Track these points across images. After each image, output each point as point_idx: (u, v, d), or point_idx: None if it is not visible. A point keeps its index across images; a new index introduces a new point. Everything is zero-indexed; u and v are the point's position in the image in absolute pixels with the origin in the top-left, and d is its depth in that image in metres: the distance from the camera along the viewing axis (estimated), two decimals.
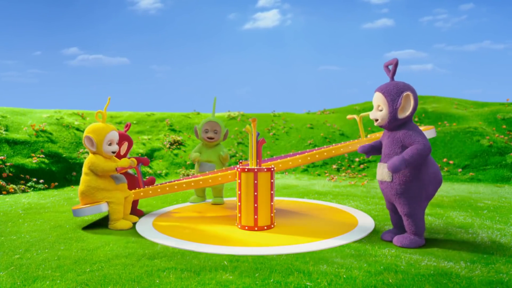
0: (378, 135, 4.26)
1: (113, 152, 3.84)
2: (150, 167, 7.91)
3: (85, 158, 7.45)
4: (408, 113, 2.94)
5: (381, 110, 3.03)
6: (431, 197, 3.05)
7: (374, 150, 3.24)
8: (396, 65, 3.05)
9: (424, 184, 2.95)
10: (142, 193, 4.19)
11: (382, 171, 3.07)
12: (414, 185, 2.94)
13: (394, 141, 3.00)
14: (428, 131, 3.78)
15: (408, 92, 2.93)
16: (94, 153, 3.79)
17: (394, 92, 2.96)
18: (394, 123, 3.01)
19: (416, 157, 2.82)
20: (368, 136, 4.29)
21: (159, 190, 4.15)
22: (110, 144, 3.81)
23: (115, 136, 3.84)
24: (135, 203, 4.38)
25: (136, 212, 4.38)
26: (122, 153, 4.26)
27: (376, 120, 3.07)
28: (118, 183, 3.86)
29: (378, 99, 3.03)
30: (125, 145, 4.30)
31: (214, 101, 5.25)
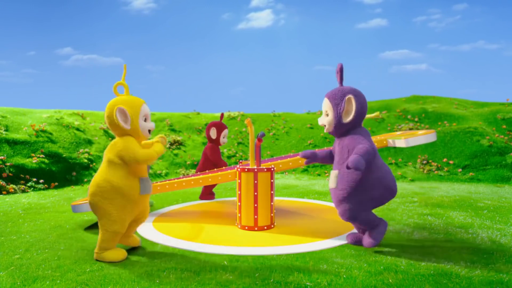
0: (379, 138, 4.26)
1: (150, 131, 2.97)
2: (151, 167, 7.92)
3: (85, 158, 7.46)
4: (351, 116, 2.90)
5: (327, 115, 3.00)
6: (378, 201, 2.95)
7: (316, 158, 3.20)
8: (341, 70, 3.02)
9: (367, 188, 2.87)
10: None
11: (330, 178, 3.02)
12: (357, 190, 2.87)
13: (342, 148, 2.95)
14: (429, 135, 3.77)
15: (350, 96, 2.89)
16: (123, 133, 2.85)
17: (339, 96, 2.94)
18: (340, 129, 2.96)
19: (367, 153, 2.69)
20: None
21: (158, 188, 4.15)
22: (145, 120, 2.93)
23: (149, 111, 2.99)
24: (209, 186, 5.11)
25: (208, 197, 5.07)
26: (221, 142, 5.09)
27: (324, 126, 3.04)
28: (143, 193, 2.87)
29: (325, 105, 3.02)
30: (224, 132, 5.07)
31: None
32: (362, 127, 3.00)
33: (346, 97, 2.89)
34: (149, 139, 2.96)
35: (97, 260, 2.78)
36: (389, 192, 2.95)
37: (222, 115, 5.46)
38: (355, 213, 2.92)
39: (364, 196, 2.89)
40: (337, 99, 2.94)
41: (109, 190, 2.73)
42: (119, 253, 2.81)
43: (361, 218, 2.94)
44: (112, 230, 2.77)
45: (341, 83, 3.04)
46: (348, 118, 2.92)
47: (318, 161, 3.22)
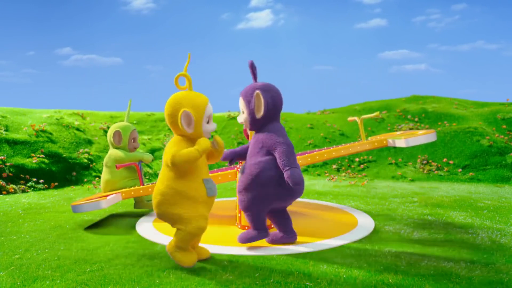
0: (379, 137, 4.26)
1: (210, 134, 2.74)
2: (150, 167, 7.91)
3: (85, 158, 7.46)
4: (262, 111, 2.94)
5: (243, 113, 3.06)
6: (274, 198, 2.96)
7: (237, 155, 3.24)
8: (251, 67, 3.06)
9: (263, 184, 2.89)
10: (141, 191, 4.19)
11: (241, 169, 3.09)
12: (253, 184, 2.91)
13: (256, 142, 2.99)
14: (429, 135, 3.77)
15: (257, 91, 2.93)
16: (181, 135, 2.64)
17: (250, 93, 2.99)
18: (255, 124, 3.02)
19: (290, 157, 2.78)
20: (369, 138, 4.28)
21: None
22: (208, 122, 2.69)
23: (212, 110, 2.72)
24: None
25: None
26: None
27: (243, 123, 3.11)
28: (210, 195, 2.64)
29: (240, 103, 3.08)
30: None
31: (129, 105, 4.83)
32: (277, 123, 3.03)
33: (255, 93, 2.93)
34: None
35: (168, 253, 2.63)
36: (289, 193, 2.95)
37: None
38: (249, 206, 2.97)
39: (260, 191, 2.91)
40: (248, 96, 2.99)
41: (174, 195, 2.54)
42: (191, 258, 2.60)
43: (254, 212, 2.97)
44: (189, 230, 2.55)
45: (255, 79, 3.08)
46: (259, 114, 2.95)
47: (242, 158, 3.27)
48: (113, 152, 4.42)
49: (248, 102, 2.98)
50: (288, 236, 3.14)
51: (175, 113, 2.56)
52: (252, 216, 3.00)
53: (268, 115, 2.96)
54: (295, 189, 2.93)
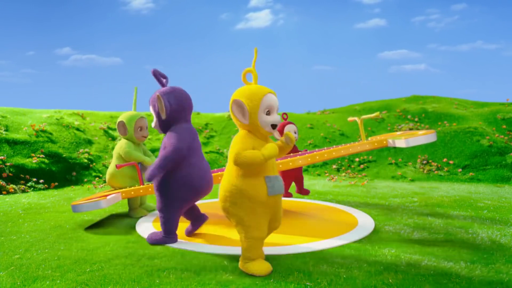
0: (379, 137, 4.27)
1: (274, 127, 2.47)
2: None
3: (85, 158, 7.46)
4: (165, 113, 3.11)
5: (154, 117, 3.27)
6: (186, 200, 3.13)
7: None
8: (153, 75, 3.23)
9: (171, 186, 3.06)
10: (141, 191, 4.19)
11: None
12: (162, 185, 3.08)
13: (162, 142, 3.17)
14: (429, 135, 3.77)
15: (157, 94, 3.10)
16: (243, 127, 2.52)
17: (154, 98, 3.21)
18: (164, 126, 3.19)
19: (165, 160, 2.97)
20: (369, 138, 4.28)
21: None
22: (268, 113, 2.47)
23: (274, 101, 2.49)
24: (301, 181, 4.91)
25: (303, 191, 4.92)
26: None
27: (155, 128, 3.28)
28: (271, 194, 2.45)
29: (150, 109, 3.28)
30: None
31: (135, 93, 4.67)
32: (185, 124, 3.18)
33: (156, 96, 3.13)
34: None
35: (242, 270, 2.52)
36: (194, 193, 3.13)
37: (282, 115, 5.53)
38: (163, 207, 3.12)
39: (169, 193, 3.08)
40: (154, 100, 3.20)
41: (235, 193, 2.44)
42: (264, 266, 2.47)
43: (166, 214, 3.11)
44: (250, 237, 2.47)
45: (161, 85, 3.26)
46: (163, 115, 3.13)
47: None
48: (119, 146, 4.35)
49: (153, 106, 3.19)
50: (168, 237, 3.19)
51: (231, 104, 2.51)
52: (166, 218, 3.13)
53: (173, 116, 3.12)
54: (199, 189, 3.12)
